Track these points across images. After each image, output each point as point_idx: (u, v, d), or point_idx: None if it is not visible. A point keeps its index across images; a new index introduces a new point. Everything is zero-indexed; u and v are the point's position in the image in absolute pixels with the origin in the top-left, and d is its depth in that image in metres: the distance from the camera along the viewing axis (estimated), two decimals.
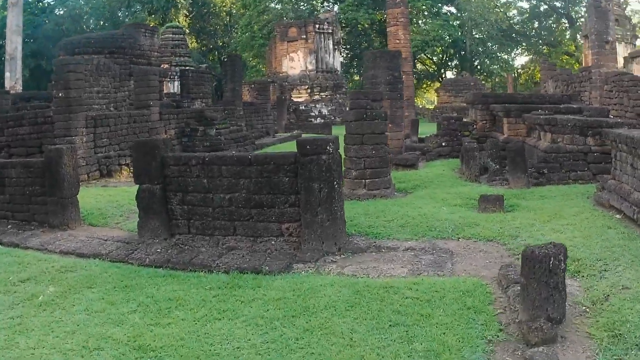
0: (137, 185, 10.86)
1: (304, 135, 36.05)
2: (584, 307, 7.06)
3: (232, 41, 65.00)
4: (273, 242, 10.02)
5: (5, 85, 33.35)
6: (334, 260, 9.40)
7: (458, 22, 68.01)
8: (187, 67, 35.63)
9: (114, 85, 25.69)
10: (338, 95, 53.98)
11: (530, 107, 18.98)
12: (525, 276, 6.48)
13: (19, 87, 34.20)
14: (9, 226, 12.83)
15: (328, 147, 9.75)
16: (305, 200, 9.75)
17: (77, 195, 12.70)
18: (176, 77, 35.12)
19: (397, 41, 34.31)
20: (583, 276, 8.01)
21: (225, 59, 32.71)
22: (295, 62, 53.01)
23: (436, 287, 7.62)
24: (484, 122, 21.39)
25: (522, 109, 19.02)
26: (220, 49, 65.40)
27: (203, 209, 10.48)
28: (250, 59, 64.93)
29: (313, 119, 49.08)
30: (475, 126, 21.79)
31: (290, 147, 29.34)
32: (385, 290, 7.55)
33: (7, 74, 34.95)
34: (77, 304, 7.67)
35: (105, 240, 11.05)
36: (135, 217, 11.04)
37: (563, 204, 12.33)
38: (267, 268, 8.82)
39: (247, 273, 8.69)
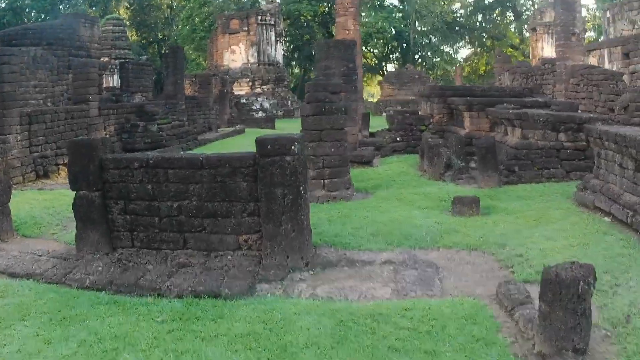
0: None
1: (247, 130, 34.79)
2: (604, 331, 6.06)
3: (172, 34, 63.21)
4: (230, 257, 8.70)
5: None
6: (302, 277, 8.17)
7: (401, 14, 67.10)
8: (127, 60, 33.92)
9: (51, 78, 23.97)
10: (280, 89, 52.83)
11: (492, 101, 17.97)
12: (547, 302, 5.39)
13: None
14: None
15: (293, 147, 8.52)
16: (266, 209, 8.50)
17: (9, 203, 11.22)
18: (116, 70, 33.40)
19: (347, 32, 33.21)
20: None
21: (167, 51, 31.00)
22: (236, 55, 51.56)
23: (432, 313, 6.45)
24: (441, 115, 20.39)
25: (485, 102, 17.98)
26: (161, 42, 63.54)
27: (148, 219, 9.08)
28: (191, 52, 63.21)
29: (255, 113, 47.55)
30: (431, 120, 20.75)
31: (236, 142, 28.34)
32: (373, 319, 6.33)
33: None
34: (8, 343, 6.25)
35: (40, 255, 9.55)
36: (74, 225, 9.57)
37: (544, 205, 11.35)
38: (226, 291, 7.52)
39: (204, 297, 7.37)
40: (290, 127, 39.14)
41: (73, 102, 22.25)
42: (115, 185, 9.18)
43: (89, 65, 22.50)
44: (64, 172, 19.18)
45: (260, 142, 8.59)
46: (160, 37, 63.68)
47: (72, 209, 9.40)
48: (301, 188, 8.51)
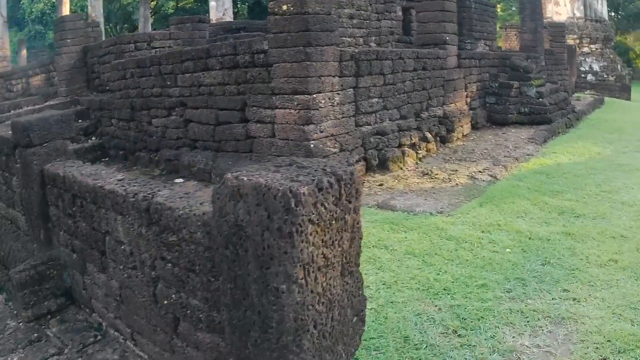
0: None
1: (607, 99, 23.52)
2: None
3: None
4: None
5: (211, 17, 22.95)
6: None
7: None
8: None
9: (375, 7, 14.20)
10: (608, 50, 40.54)
11: None
12: None
13: (228, 20, 23.72)
14: None
15: None
16: None
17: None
18: None
19: None
20: None
21: None
22: (561, 7, 39.86)
23: None
24: None
25: None
26: None
27: None
28: None
29: (583, 75, 36.28)
30: None
31: (617, 118, 17.35)
32: None
33: (212, 3, 24.56)
34: None
35: None
36: None
37: None
38: None
39: None
40: None
41: (419, 44, 12.27)
42: None
43: None
44: (411, 159, 9.55)
45: None
46: None
47: None
48: None
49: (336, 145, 8.43)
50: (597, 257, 5.78)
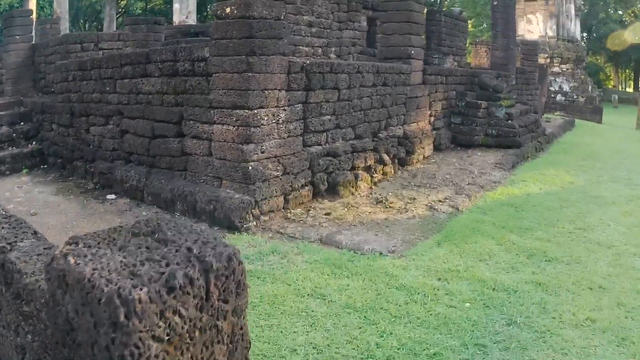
0: None
1: (577, 122, 22.76)
2: None
3: None
4: None
5: (174, 20, 21.91)
6: None
7: None
8: (439, 10, 22.74)
9: (337, 16, 13.27)
10: (579, 70, 40.15)
11: None
12: None
13: (191, 23, 22.64)
14: None
15: None
16: None
17: None
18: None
19: None
20: None
21: (495, 2, 19.37)
22: (533, 26, 39.50)
23: None
24: None
25: None
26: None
27: None
28: (470, 15, 51.60)
29: (553, 95, 35.89)
30: None
31: (591, 142, 16.62)
32: None
33: (175, 6, 23.45)
34: None
35: None
36: None
37: None
38: None
39: None
40: (623, 123, 27.13)
41: (381, 59, 11.37)
42: None
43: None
44: (365, 183, 8.60)
45: None
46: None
47: None
48: None
49: (279, 167, 7.43)
50: (571, 314, 4.86)
